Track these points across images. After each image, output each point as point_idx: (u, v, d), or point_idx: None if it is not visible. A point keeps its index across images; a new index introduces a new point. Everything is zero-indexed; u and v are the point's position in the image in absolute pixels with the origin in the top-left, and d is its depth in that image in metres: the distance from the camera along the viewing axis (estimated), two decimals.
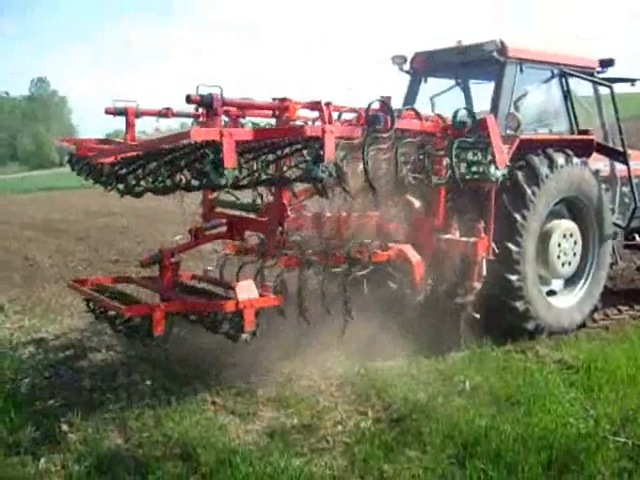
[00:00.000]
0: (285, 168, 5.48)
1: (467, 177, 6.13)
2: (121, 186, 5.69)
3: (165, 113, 7.30)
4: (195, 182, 5.10)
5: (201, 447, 4.84)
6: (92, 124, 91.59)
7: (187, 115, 7.46)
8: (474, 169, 6.20)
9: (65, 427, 5.38)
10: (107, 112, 6.82)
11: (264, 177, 5.30)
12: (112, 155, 5.90)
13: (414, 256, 6.17)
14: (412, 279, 6.13)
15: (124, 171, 5.58)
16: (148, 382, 6.27)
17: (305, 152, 5.14)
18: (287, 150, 5.23)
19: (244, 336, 5.50)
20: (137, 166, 5.47)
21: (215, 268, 7.50)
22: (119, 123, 6.99)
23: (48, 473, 4.72)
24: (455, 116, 6.08)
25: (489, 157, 6.15)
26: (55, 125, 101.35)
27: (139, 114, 6.96)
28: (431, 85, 8.72)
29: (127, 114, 6.84)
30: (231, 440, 5.04)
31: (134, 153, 5.56)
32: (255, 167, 5.27)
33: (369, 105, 5.51)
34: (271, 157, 5.34)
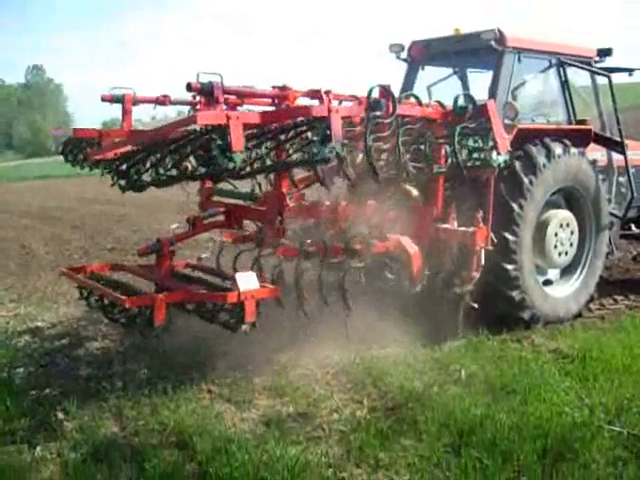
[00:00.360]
0: (290, 152, 5.44)
1: (468, 164, 6.10)
2: (122, 182, 5.62)
3: (162, 101, 7.27)
4: (202, 169, 5.06)
5: (197, 435, 4.85)
6: (88, 112, 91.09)
7: (185, 103, 7.43)
8: (475, 155, 6.17)
9: (61, 415, 5.38)
10: (103, 99, 6.78)
11: (268, 163, 5.26)
12: (112, 149, 5.86)
13: (412, 247, 6.15)
14: (409, 271, 6.12)
15: (124, 166, 5.53)
16: (144, 371, 6.28)
17: (310, 134, 5.11)
18: (291, 133, 5.20)
19: (244, 327, 5.46)
20: (138, 159, 5.42)
21: (210, 256, 7.49)
22: (116, 111, 6.98)
23: (44, 461, 4.73)
24: (456, 102, 6.05)
25: (490, 143, 6.12)
26: (51, 113, 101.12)
27: (136, 101, 6.93)
28: (428, 73, 8.69)
29: (124, 101, 6.81)
30: (227, 428, 5.05)
31: (134, 147, 5.53)
32: (257, 155, 5.24)
33: (370, 90, 5.47)
34: (273, 143, 5.31)
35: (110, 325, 7.36)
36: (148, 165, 5.40)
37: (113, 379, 6.10)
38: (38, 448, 4.88)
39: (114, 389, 5.86)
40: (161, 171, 5.31)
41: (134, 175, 5.46)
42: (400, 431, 4.89)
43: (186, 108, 7.49)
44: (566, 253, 7.74)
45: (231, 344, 6.38)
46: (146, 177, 5.48)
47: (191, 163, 5.15)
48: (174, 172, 5.25)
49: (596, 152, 8.36)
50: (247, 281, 5.43)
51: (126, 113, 6.83)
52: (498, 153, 6.12)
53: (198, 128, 4.91)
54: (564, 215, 7.68)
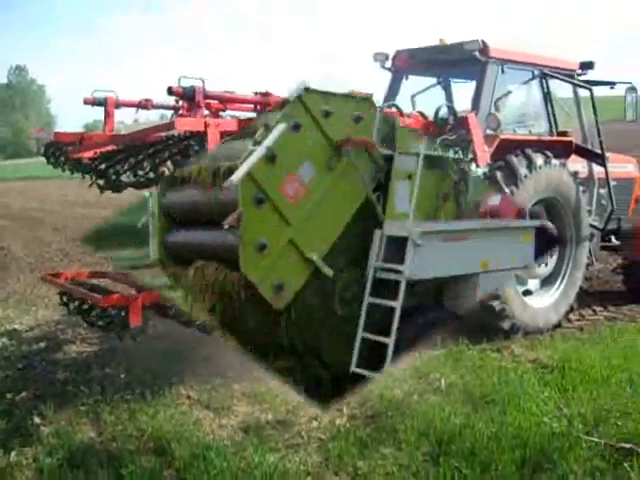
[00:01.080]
0: None
1: None
2: (101, 182, 5.62)
3: (145, 104, 7.26)
4: None
5: (175, 441, 4.81)
6: (71, 114, 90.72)
7: (167, 107, 7.42)
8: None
9: (37, 420, 5.33)
10: (86, 102, 6.76)
11: None
12: (93, 149, 5.85)
13: None
14: None
15: (104, 166, 5.52)
16: (122, 375, 6.23)
17: None
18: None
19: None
20: (117, 160, 5.41)
21: None
22: (99, 113, 6.93)
23: (19, 466, 4.66)
24: (437, 113, 6.07)
25: (470, 155, 6.15)
26: (33, 114, 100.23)
27: (118, 105, 6.92)
28: (412, 83, 8.72)
29: (106, 105, 6.78)
30: (205, 435, 5.02)
31: (114, 147, 5.54)
32: None
33: None
34: None
35: (89, 329, 7.31)
36: (127, 167, 5.40)
37: (91, 383, 6.05)
38: (13, 453, 4.82)
39: (92, 393, 5.81)
40: (140, 173, 5.32)
41: (112, 175, 5.46)
42: (379, 440, 4.88)
43: (169, 112, 7.48)
44: (546, 264, 7.78)
45: (211, 349, 6.35)
46: (125, 178, 5.48)
47: (168, 167, 5.17)
48: (152, 175, 5.26)
49: (577, 164, 8.43)
50: None
51: (108, 116, 6.81)
52: (477, 165, 6.16)
53: (177, 133, 4.93)
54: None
